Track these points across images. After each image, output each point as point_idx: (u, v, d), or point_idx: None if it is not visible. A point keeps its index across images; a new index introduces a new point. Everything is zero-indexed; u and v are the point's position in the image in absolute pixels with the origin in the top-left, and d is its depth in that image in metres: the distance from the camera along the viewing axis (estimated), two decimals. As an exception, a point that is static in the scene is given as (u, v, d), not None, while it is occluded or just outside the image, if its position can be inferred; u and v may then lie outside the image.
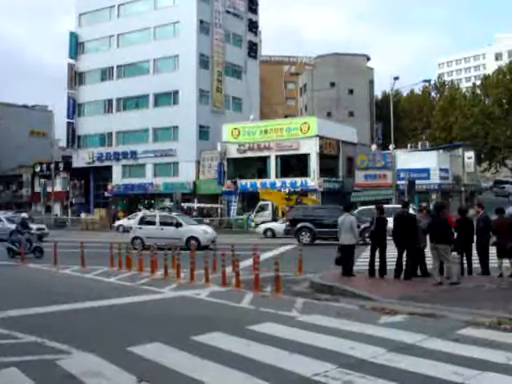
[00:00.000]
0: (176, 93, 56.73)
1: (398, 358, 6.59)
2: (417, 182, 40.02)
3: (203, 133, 56.47)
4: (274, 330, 8.19)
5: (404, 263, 13.48)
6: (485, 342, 7.36)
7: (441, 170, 44.73)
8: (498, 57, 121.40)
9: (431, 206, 24.54)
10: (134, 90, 58.43)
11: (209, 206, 51.36)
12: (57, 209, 62.64)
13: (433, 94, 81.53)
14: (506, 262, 13.59)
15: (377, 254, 13.85)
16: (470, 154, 49.61)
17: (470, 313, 9.15)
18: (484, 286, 12.13)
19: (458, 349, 7.00)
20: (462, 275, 13.23)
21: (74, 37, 63.20)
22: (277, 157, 49.26)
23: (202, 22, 56.48)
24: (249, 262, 16.03)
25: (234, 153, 51.01)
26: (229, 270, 14.13)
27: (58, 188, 61.83)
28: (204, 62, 56.81)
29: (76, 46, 63.36)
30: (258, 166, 51.64)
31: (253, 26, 63.99)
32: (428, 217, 13.70)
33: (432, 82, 79.87)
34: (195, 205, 50.43)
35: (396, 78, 42.62)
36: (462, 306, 9.74)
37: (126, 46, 59.89)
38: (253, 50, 63.65)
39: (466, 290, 11.69)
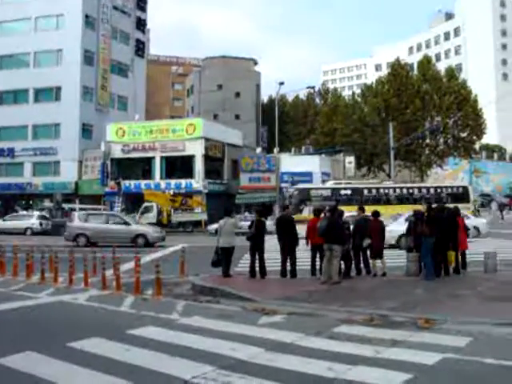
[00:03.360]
0: (58, 89, 54.46)
1: (276, 356, 6.75)
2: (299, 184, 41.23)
3: (86, 131, 54.68)
4: (154, 334, 8.09)
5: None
6: (357, 337, 7.74)
7: (323, 173, 46.50)
8: (377, 68, 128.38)
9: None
10: (12, 83, 55.23)
11: (91, 207, 49.69)
12: None
13: (317, 100, 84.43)
14: (378, 263, 14.43)
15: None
16: (351, 158, 51.96)
17: (345, 311, 9.59)
18: (359, 285, 12.82)
19: (332, 345, 7.30)
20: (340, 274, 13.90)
21: None
22: (162, 158, 48.81)
23: (87, 16, 54.69)
24: (131, 264, 15.71)
25: (118, 153, 49.86)
26: (110, 273, 13.74)
27: None
28: (89, 58, 55.03)
29: None
30: (142, 167, 50.83)
31: (141, 24, 62.95)
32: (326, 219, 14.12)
33: (316, 89, 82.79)
34: (77, 206, 48.62)
35: (281, 83, 43.68)
36: (339, 304, 10.18)
37: (2, 36, 56.42)
38: (140, 48, 62.61)
39: (343, 289, 12.26)
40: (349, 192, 35.53)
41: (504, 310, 9.32)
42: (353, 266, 14.57)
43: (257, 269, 14.11)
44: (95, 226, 26.97)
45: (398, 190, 36.44)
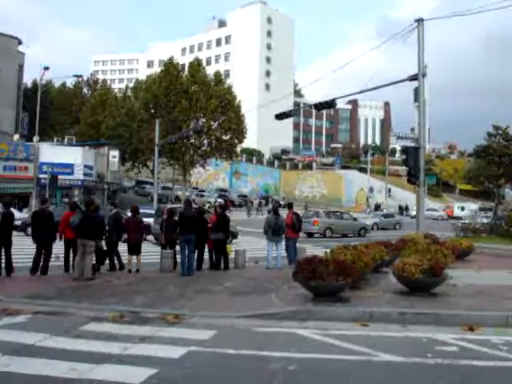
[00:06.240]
0: None
1: (14, 361, 6.31)
2: (60, 176, 39.44)
3: None
4: None
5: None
6: (105, 335, 7.65)
7: (85, 166, 44.95)
8: (150, 64, 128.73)
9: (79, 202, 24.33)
10: None
11: None
12: None
13: (85, 90, 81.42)
14: (134, 259, 14.44)
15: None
16: (115, 153, 50.98)
17: (96, 308, 9.39)
18: (112, 281, 12.64)
19: (78, 345, 7.08)
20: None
21: None
22: None
23: None
24: None
25: None
26: None
27: None
28: None
29: None
30: None
31: None
32: (80, 213, 13.58)
33: (85, 78, 79.79)
34: None
35: (46, 68, 41.32)
36: (89, 302, 9.94)
37: None
38: None
39: (96, 286, 11.98)
40: None
41: (247, 304, 9.99)
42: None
43: (2, 265, 13.11)
44: None
45: None
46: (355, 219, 37.07)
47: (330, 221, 34.04)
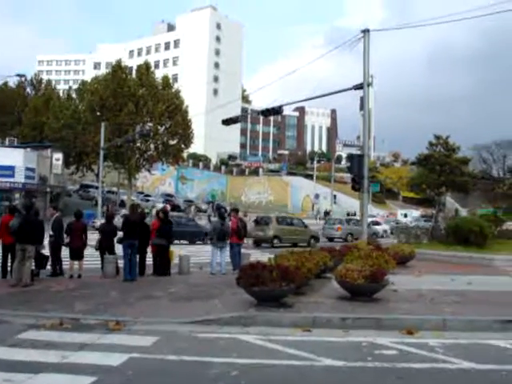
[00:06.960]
0: None
1: None
2: (0, 179, 38.24)
3: None
4: None
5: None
6: (43, 343, 7.43)
7: (27, 169, 43.71)
8: (96, 65, 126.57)
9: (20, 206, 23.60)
10: None
11: None
12: None
13: (28, 90, 79.16)
14: (75, 264, 14.10)
15: None
16: (59, 155, 49.79)
17: (34, 315, 9.10)
18: (52, 287, 12.30)
19: (15, 354, 6.86)
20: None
21: None
22: None
23: None
24: None
25: None
26: None
27: None
28: None
29: None
30: None
31: None
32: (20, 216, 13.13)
33: (29, 78, 77.60)
34: None
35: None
36: (27, 308, 9.64)
37: None
38: None
39: (35, 292, 11.63)
40: None
41: (190, 309, 9.91)
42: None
43: None
44: None
45: None
46: (368, 225, 39.25)
47: (351, 227, 37.14)
